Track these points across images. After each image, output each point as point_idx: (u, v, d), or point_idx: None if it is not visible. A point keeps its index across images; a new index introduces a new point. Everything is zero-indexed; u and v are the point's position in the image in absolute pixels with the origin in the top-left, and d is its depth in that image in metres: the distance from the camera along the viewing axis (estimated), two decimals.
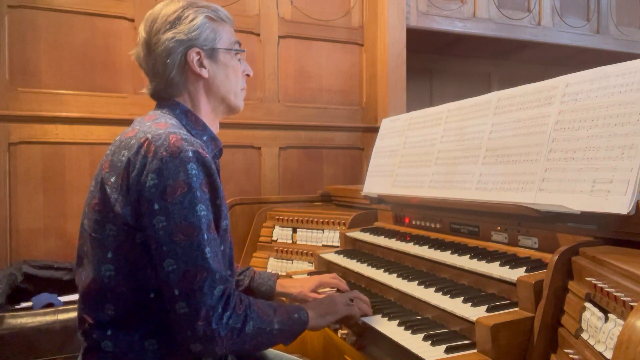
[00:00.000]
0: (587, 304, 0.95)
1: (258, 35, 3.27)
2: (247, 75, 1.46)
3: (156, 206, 1.09)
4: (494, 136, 1.61)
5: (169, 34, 1.28)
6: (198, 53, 1.31)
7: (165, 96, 1.35)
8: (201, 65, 1.33)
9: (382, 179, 2.21)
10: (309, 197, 3.04)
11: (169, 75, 1.30)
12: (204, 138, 1.33)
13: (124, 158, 1.16)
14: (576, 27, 4.12)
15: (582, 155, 1.26)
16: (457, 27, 3.68)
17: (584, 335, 0.93)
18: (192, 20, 1.31)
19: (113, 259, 1.14)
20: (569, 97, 1.38)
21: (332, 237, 2.38)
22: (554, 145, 1.36)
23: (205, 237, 1.11)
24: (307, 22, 3.41)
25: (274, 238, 2.62)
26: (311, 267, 2.30)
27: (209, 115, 1.39)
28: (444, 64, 4.60)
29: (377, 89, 3.56)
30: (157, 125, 1.20)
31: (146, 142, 1.14)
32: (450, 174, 1.76)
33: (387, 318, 1.42)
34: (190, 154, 1.13)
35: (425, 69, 4.57)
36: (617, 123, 1.20)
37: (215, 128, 1.41)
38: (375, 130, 3.01)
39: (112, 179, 1.16)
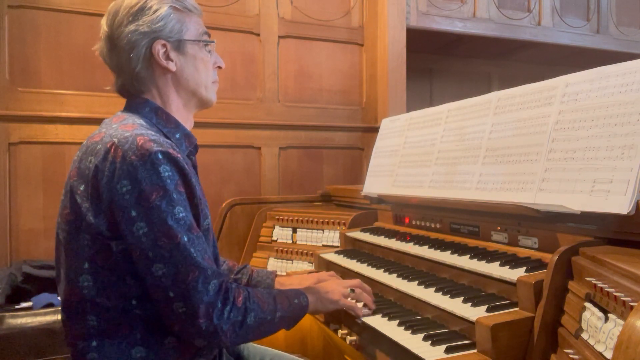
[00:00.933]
0: (587, 304, 0.95)
1: (258, 35, 3.27)
2: (219, 67, 1.40)
3: (133, 213, 1.06)
4: (494, 136, 1.61)
5: (132, 27, 1.23)
6: (164, 45, 1.25)
7: (133, 92, 1.30)
8: (168, 58, 1.27)
9: (382, 179, 2.21)
10: (309, 197, 3.04)
11: (134, 70, 1.25)
12: (177, 136, 1.29)
13: (91, 165, 1.11)
14: (576, 27, 4.12)
15: (582, 155, 1.26)
16: (457, 27, 3.68)
17: (584, 335, 0.93)
18: (156, 11, 1.24)
19: (90, 269, 1.11)
20: (569, 97, 1.38)
21: (332, 237, 2.38)
22: (554, 145, 1.36)
23: (186, 238, 1.09)
24: (307, 22, 3.41)
25: (274, 238, 2.62)
26: (311, 267, 2.30)
27: (181, 111, 1.33)
28: (444, 64, 4.60)
29: (377, 89, 3.56)
30: (124, 127, 1.16)
31: (113, 147, 1.10)
32: (450, 174, 1.76)
33: (387, 318, 1.42)
34: (160, 155, 1.09)
35: (425, 69, 4.57)
36: (617, 123, 1.19)
37: (189, 124, 1.36)
38: (375, 130, 3.01)
39: (81, 188, 1.12)
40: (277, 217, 2.66)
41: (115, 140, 1.11)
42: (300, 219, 2.54)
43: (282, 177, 3.34)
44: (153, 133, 1.16)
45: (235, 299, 1.13)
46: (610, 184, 1.15)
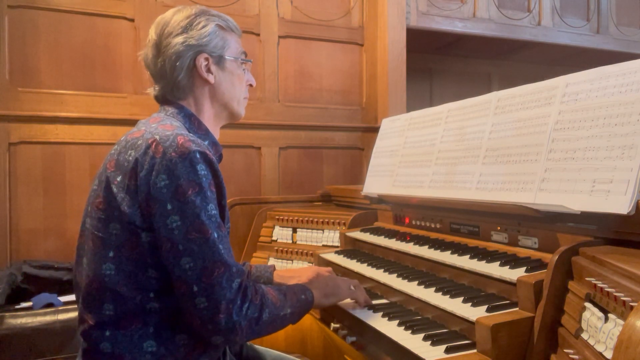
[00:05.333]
0: (587, 304, 0.95)
1: (258, 35, 3.27)
2: (250, 85, 1.50)
3: (169, 206, 1.11)
4: (494, 136, 1.61)
5: (180, 38, 1.32)
6: (206, 59, 1.35)
7: (170, 99, 1.38)
8: (208, 70, 1.36)
9: (382, 179, 2.21)
10: (309, 197, 3.04)
11: (177, 78, 1.34)
12: (206, 142, 1.35)
13: (130, 158, 1.17)
14: (576, 27, 4.12)
15: (582, 155, 1.26)
16: (457, 27, 3.68)
17: (584, 335, 0.93)
18: (204, 27, 1.35)
19: (114, 258, 1.15)
20: (569, 97, 1.38)
21: (332, 237, 2.38)
22: (554, 145, 1.36)
23: (216, 235, 1.14)
24: (307, 22, 3.41)
25: (274, 238, 2.62)
26: None
27: (212, 121, 1.42)
28: (444, 64, 4.60)
29: (377, 89, 3.56)
30: (164, 126, 1.22)
31: (154, 143, 1.16)
32: (450, 174, 1.76)
33: (387, 318, 1.42)
34: (198, 155, 1.15)
35: (425, 69, 4.57)
36: (617, 123, 1.19)
37: (216, 134, 1.44)
38: (375, 130, 3.01)
39: (119, 178, 1.17)
40: (277, 217, 2.66)
41: (157, 137, 1.17)
42: (300, 219, 2.54)
43: (282, 177, 3.34)
44: (192, 134, 1.23)
45: (253, 296, 1.18)
46: (610, 184, 1.15)
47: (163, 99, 1.39)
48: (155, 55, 1.35)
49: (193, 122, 1.36)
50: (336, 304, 1.52)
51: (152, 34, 1.36)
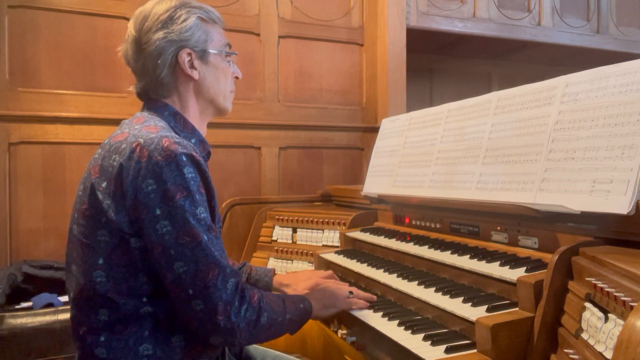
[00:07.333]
0: (587, 304, 0.95)
1: (258, 35, 3.27)
2: (237, 77, 1.45)
3: (158, 211, 1.09)
4: (494, 136, 1.61)
5: (161, 34, 1.27)
6: (189, 54, 1.30)
7: (153, 96, 1.33)
8: (192, 66, 1.32)
9: (382, 179, 2.21)
10: (309, 197, 3.04)
11: (159, 75, 1.29)
12: (192, 141, 1.32)
13: (115, 163, 1.14)
14: (576, 27, 4.12)
15: (582, 155, 1.26)
16: (457, 27, 3.68)
17: (584, 335, 0.93)
18: (185, 20, 1.29)
19: (104, 265, 1.13)
20: (569, 97, 1.38)
21: (332, 237, 2.38)
22: (554, 145, 1.36)
23: (207, 237, 1.12)
24: (307, 22, 3.41)
25: (274, 238, 2.62)
26: (311, 267, 2.30)
27: (197, 117, 1.38)
28: (444, 64, 4.60)
29: (377, 89, 3.56)
30: (148, 128, 1.19)
31: (138, 147, 1.12)
32: (450, 174, 1.76)
33: (387, 318, 1.42)
34: (185, 157, 1.12)
35: (425, 69, 4.57)
36: (617, 123, 1.19)
37: (203, 131, 1.40)
38: (375, 130, 3.01)
39: (104, 185, 1.14)
40: (277, 217, 2.66)
41: (141, 140, 1.14)
42: (300, 219, 2.54)
43: (282, 177, 3.34)
44: (177, 136, 1.20)
45: (251, 298, 1.17)
46: (610, 184, 1.15)
47: (146, 97, 1.34)
48: (136, 52, 1.29)
49: (178, 121, 1.31)
50: (334, 314, 1.50)
51: (131, 29, 1.29)
